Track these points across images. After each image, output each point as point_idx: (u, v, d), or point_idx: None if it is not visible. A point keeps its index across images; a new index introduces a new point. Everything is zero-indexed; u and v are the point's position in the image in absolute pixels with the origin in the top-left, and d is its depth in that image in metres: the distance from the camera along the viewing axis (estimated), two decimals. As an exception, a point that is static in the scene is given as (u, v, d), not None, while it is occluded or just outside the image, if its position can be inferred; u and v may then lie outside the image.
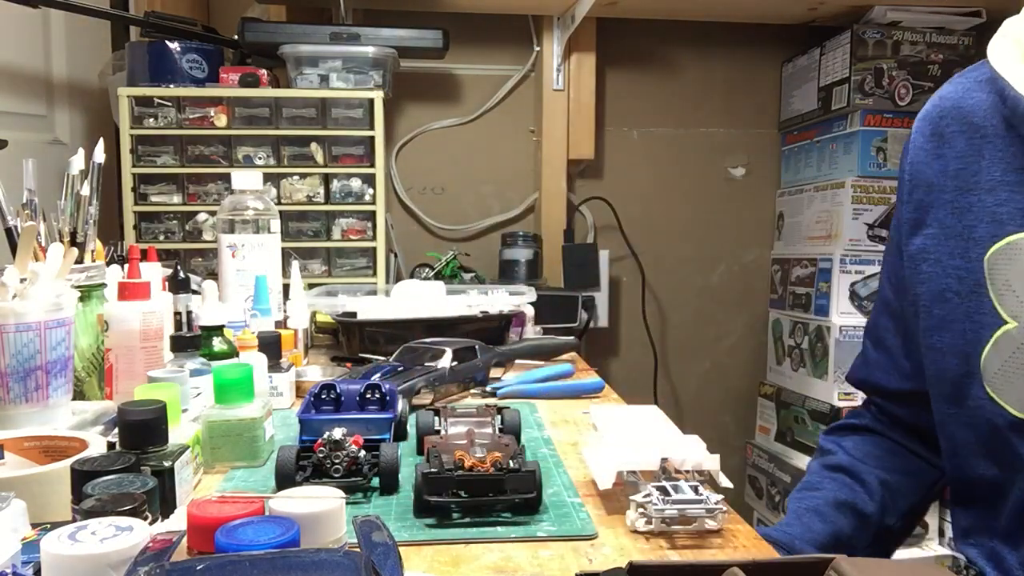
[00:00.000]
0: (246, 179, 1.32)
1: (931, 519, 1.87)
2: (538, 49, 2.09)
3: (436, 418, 0.88)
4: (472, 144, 2.13)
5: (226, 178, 1.63)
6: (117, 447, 0.69)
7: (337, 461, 0.74)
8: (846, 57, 1.88)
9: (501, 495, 0.69)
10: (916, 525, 0.96)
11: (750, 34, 2.17)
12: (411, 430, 0.94)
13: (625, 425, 0.84)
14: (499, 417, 0.88)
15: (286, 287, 1.37)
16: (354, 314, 1.38)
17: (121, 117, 1.65)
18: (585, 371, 1.35)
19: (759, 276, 2.25)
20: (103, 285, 1.04)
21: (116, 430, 0.69)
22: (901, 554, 1.85)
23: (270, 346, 1.08)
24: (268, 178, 1.66)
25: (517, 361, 1.33)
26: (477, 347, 1.20)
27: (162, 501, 0.64)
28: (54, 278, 0.88)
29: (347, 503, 0.58)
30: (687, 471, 0.73)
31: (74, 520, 0.53)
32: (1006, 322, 0.71)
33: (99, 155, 1.06)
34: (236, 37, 1.76)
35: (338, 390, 0.88)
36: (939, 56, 1.88)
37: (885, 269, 0.90)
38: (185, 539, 0.52)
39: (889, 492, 0.88)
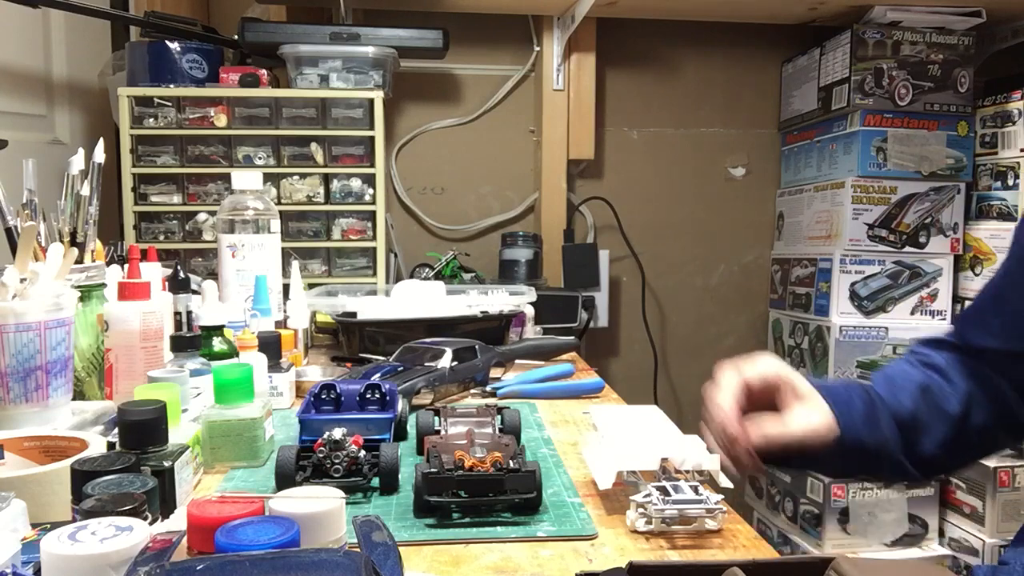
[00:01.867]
0: (246, 179, 1.32)
1: (931, 519, 1.87)
2: (538, 49, 2.09)
3: (436, 418, 0.88)
4: (472, 144, 2.13)
5: (226, 178, 1.64)
6: (117, 447, 0.69)
7: (337, 461, 0.74)
8: (846, 57, 1.88)
9: (501, 495, 0.69)
10: (997, 448, 0.91)
11: (750, 34, 2.17)
12: (411, 430, 0.95)
13: (625, 425, 0.84)
14: (499, 417, 0.88)
15: (286, 287, 1.37)
16: (354, 314, 1.38)
17: (121, 117, 1.65)
18: (585, 371, 1.35)
19: (759, 276, 2.25)
20: (103, 285, 1.04)
21: (116, 430, 0.69)
22: (901, 554, 1.86)
23: (270, 346, 1.08)
24: (268, 178, 1.66)
25: (517, 361, 1.33)
26: (477, 347, 1.20)
27: (162, 501, 0.64)
28: (54, 278, 0.88)
29: (347, 503, 0.58)
30: (687, 471, 0.73)
31: (74, 520, 0.53)
32: None
33: (99, 155, 1.06)
34: (236, 37, 1.76)
35: (338, 390, 0.88)
36: (939, 56, 1.88)
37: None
38: (185, 539, 0.52)
39: (975, 403, 0.83)
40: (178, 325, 1.24)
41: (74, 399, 0.91)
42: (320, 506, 0.56)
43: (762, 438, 0.74)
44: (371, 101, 1.70)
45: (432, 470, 0.69)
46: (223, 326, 1.00)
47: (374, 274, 1.74)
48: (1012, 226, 1.77)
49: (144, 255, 1.17)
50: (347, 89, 1.72)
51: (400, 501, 0.74)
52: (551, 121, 2.07)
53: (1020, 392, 0.83)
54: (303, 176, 1.71)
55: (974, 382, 0.84)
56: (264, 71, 1.72)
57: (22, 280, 0.84)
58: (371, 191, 1.72)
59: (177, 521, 0.59)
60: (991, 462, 1.73)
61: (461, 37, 2.00)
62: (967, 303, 1.80)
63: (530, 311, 1.58)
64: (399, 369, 1.08)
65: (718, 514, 0.68)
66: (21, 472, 0.66)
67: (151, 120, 1.67)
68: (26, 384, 0.83)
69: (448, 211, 2.13)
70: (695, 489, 0.69)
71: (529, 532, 0.67)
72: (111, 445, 0.72)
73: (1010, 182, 1.82)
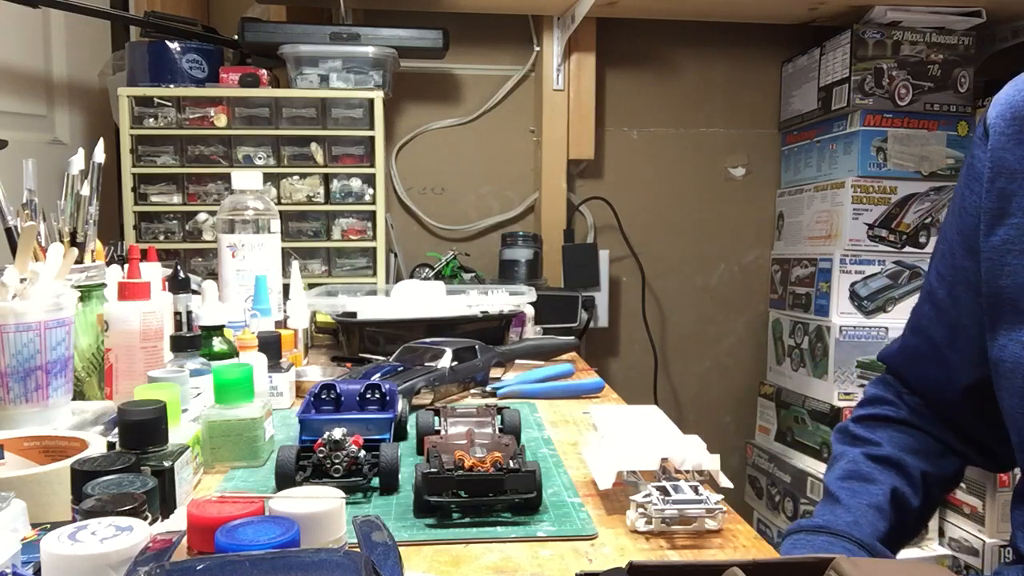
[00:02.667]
0: (246, 179, 1.32)
1: (931, 519, 1.86)
2: (538, 49, 2.09)
3: (436, 418, 0.88)
4: (472, 144, 2.13)
5: (226, 178, 1.64)
6: (117, 447, 0.69)
7: (337, 461, 0.74)
8: (846, 57, 1.88)
9: (501, 495, 0.69)
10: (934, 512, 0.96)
11: (750, 34, 2.17)
12: (411, 430, 0.95)
13: (625, 425, 0.84)
14: (499, 417, 0.88)
15: (286, 287, 1.37)
16: (354, 314, 1.38)
17: (121, 117, 1.65)
18: (585, 371, 1.35)
19: (759, 276, 2.25)
20: (103, 285, 1.04)
21: (116, 430, 0.69)
22: (901, 554, 1.85)
23: (270, 346, 1.08)
24: (268, 178, 1.66)
25: (517, 361, 1.33)
26: (477, 347, 1.20)
27: (162, 501, 0.64)
28: (54, 278, 0.88)
29: (347, 503, 0.58)
30: (687, 471, 0.73)
31: (74, 520, 0.53)
32: None
33: (99, 155, 1.06)
34: (236, 37, 1.76)
35: (338, 390, 0.88)
36: (939, 56, 1.88)
37: (935, 260, 0.86)
38: (185, 539, 0.52)
39: (929, 485, 0.88)
40: (178, 325, 1.24)
41: (74, 399, 0.91)
42: (320, 506, 0.56)
43: None
44: (371, 101, 1.70)
45: (432, 470, 0.69)
46: (223, 326, 1.00)
47: (374, 274, 1.74)
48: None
49: (144, 255, 1.17)
50: (347, 89, 1.72)
51: (400, 501, 0.74)
52: (551, 121, 2.07)
53: (961, 431, 0.87)
54: (303, 176, 1.71)
55: (924, 456, 0.88)
56: (264, 71, 1.72)
57: (22, 280, 0.84)
58: (371, 191, 1.72)
59: (177, 521, 0.59)
60: (991, 462, 1.72)
61: (461, 37, 2.00)
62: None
63: (530, 311, 1.58)
64: (399, 369, 1.08)
65: (718, 514, 0.68)
66: (21, 472, 0.66)
67: (151, 120, 1.67)
68: (26, 384, 0.83)
69: (448, 211, 2.13)
70: (695, 489, 0.69)
71: (529, 532, 0.67)
72: (111, 445, 0.72)
73: (1010, 182, 1.82)
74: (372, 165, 1.71)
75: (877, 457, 0.88)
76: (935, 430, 0.89)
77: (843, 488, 0.86)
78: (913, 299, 1.92)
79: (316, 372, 1.26)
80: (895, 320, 1.90)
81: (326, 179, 1.71)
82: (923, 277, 1.92)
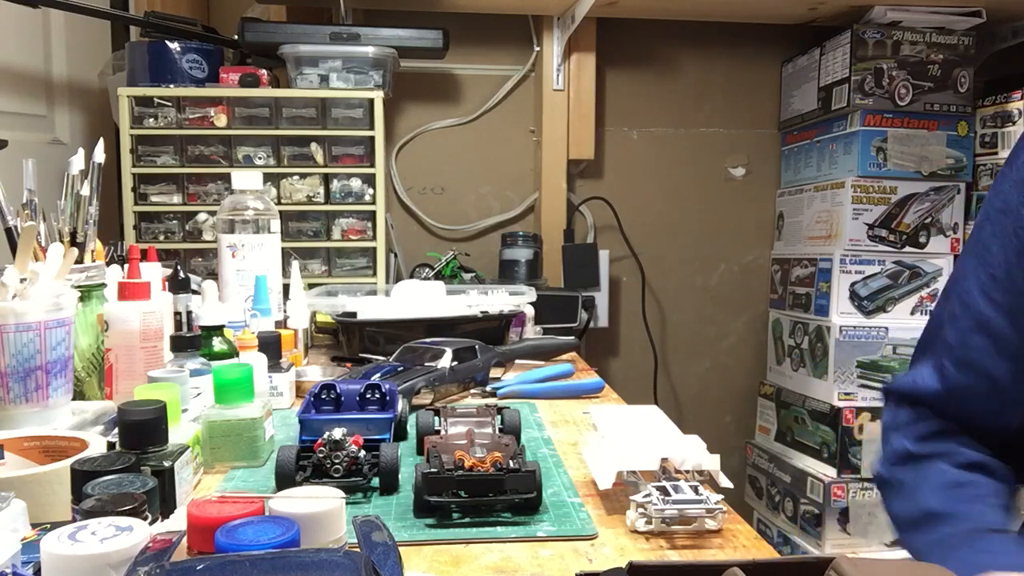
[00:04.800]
0: (246, 179, 1.32)
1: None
2: (538, 49, 2.09)
3: (436, 418, 0.88)
4: (472, 144, 2.13)
5: (226, 178, 1.64)
6: (117, 447, 0.69)
7: (337, 461, 0.74)
8: (846, 57, 1.88)
9: (501, 495, 0.70)
10: None
11: (750, 34, 2.17)
12: (411, 430, 0.95)
13: (625, 425, 0.84)
14: (499, 417, 0.88)
15: (286, 287, 1.37)
16: (354, 314, 1.38)
17: (121, 117, 1.65)
18: (585, 371, 1.35)
19: (759, 276, 2.25)
20: (103, 285, 1.04)
21: (116, 430, 0.69)
22: (901, 554, 1.86)
23: (270, 346, 1.08)
24: (268, 178, 1.66)
25: (517, 361, 1.33)
26: (477, 347, 1.20)
27: (162, 501, 0.64)
28: (54, 278, 0.88)
29: (347, 503, 0.58)
30: (687, 471, 0.73)
31: (74, 520, 0.53)
32: None
33: (99, 155, 1.06)
34: (236, 37, 1.76)
35: (338, 390, 0.88)
36: (939, 56, 1.88)
37: (979, 284, 0.75)
38: (185, 539, 0.52)
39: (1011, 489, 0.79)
40: (178, 325, 1.24)
41: (74, 399, 0.91)
42: (320, 506, 0.56)
43: None
44: (371, 101, 1.70)
45: (432, 470, 0.69)
46: (223, 326, 1.00)
47: (374, 274, 1.74)
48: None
49: (144, 255, 1.17)
50: (347, 89, 1.72)
51: (400, 501, 0.74)
52: (551, 121, 2.07)
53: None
54: (303, 176, 1.71)
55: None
56: (264, 71, 1.72)
57: (22, 280, 0.84)
58: (371, 191, 1.72)
59: (177, 521, 0.59)
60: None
61: (461, 37, 2.00)
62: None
63: (530, 311, 1.59)
64: (399, 369, 1.08)
65: (718, 514, 0.68)
66: (21, 472, 0.66)
67: (151, 120, 1.67)
68: (26, 384, 0.83)
69: (448, 211, 2.13)
70: (695, 489, 0.69)
71: (529, 532, 0.67)
72: (111, 445, 0.72)
73: (1010, 182, 1.82)
74: (372, 165, 1.71)
75: (967, 464, 0.77)
76: (987, 459, 0.79)
77: (950, 498, 0.75)
78: (913, 299, 1.92)
79: (316, 372, 1.26)
80: (895, 320, 1.90)
81: (326, 179, 1.71)
82: (922, 277, 1.92)
